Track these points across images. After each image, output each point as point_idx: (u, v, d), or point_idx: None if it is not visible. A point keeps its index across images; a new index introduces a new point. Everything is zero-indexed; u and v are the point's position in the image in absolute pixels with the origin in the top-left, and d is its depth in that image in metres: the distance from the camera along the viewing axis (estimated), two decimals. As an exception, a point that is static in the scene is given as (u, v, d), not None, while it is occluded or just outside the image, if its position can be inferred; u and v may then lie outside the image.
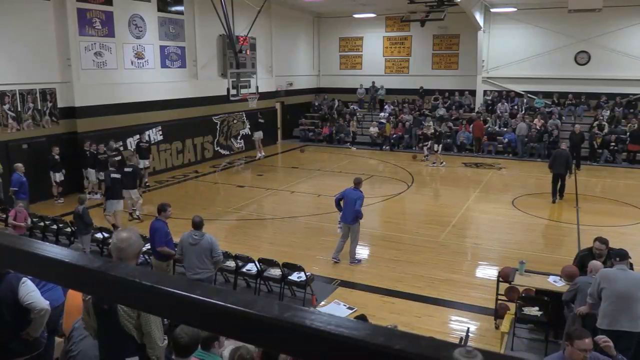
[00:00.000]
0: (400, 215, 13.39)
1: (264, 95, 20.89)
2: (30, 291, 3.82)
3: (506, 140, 20.78)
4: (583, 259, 6.93)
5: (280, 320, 0.71)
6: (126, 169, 12.13)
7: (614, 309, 5.48)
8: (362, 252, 10.75)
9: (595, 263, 6.20)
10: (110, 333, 3.26)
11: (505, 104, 22.60)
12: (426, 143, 19.64)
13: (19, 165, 11.69)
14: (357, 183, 9.58)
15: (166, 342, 3.47)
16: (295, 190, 15.42)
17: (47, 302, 3.93)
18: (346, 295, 8.27)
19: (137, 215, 12.15)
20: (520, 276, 7.24)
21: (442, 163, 19.02)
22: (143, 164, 15.35)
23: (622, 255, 5.78)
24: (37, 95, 14.01)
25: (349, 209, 9.39)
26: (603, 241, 6.74)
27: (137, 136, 16.31)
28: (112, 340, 3.30)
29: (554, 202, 13.88)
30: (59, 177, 13.87)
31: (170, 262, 7.99)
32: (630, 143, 19.20)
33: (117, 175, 11.33)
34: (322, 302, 7.97)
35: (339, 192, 9.81)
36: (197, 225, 7.13)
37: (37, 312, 3.83)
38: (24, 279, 3.87)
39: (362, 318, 5.01)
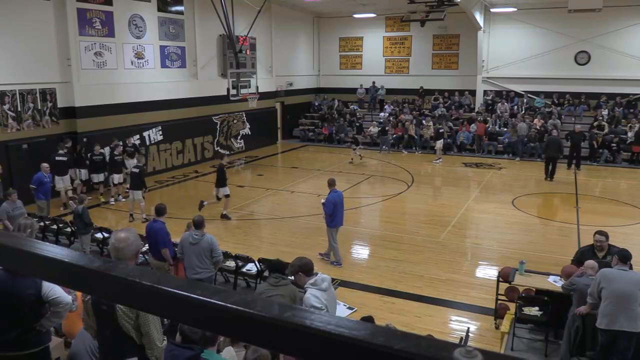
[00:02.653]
0: (400, 215, 13.39)
1: (264, 95, 20.90)
2: (53, 286, 3.94)
3: (506, 140, 20.80)
4: (584, 254, 6.95)
5: (280, 320, 0.71)
6: (133, 170, 12.46)
7: (613, 308, 5.48)
8: (363, 252, 10.77)
9: (589, 262, 6.20)
10: (110, 334, 3.26)
11: (505, 104, 22.61)
12: (355, 147, 19.74)
13: (44, 165, 11.64)
14: (334, 183, 9.70)
15: (165, 342, 3.47)
16: (295, 190, 15.42)
17: (70, 297, 4.14)
18: (346, 295, 8.26)
19: (145, 218, 12.02)
20: (520, 276, 7.24)
21: (439, 159, 19.55)
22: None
23: (624, 257, 5.77)
24: (37, 95, 14.01)
25: (342, 212, 9.51)
26: (603, 233, 6.75)
27: (131, 139, 16.25)
28: (112, 341, 3.30)
29: (546, 179, 16.49)
30: (83, 174, 14.09)
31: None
32: (635, 145, 19.11)
33: (62, 158, 13.11)
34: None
35: (324, 199, 9.60)
36: (198, 224, 7.14)
37: (62, 306, 3.97)
38: None
39: (368, 319, 4.99)
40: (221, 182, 12.41)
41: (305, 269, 4.99)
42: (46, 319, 4.00)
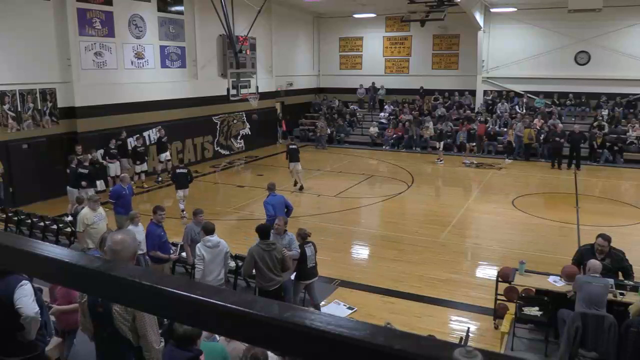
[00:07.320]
0: (400, 215, 13.39)
1: (264, 95, 20.88)
2: (22, 295, 3.74)
3: (506, 140, 20.78)
4: (583, 254, 6.95)
5: (280, 320, 0.71)
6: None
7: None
8: (362, 252, 10.77)
9: (594, 262, 6.21)
10: (106, 336, 3.24)
11: (505, 104, 22.60)
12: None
13: (124, 175, 10.96)
14: (273, 188, 9.94)
15: (163, 344, 3.46)
16: (295, 191, 15.40)
17: (37, 310, 3.83)
18: (346, 295, 8.26)
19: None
20: (520, 276, 7.23)
21: (440, 160, 19.54)
22: (141, 168, 15.72)
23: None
24: (37, 95, 14.01)
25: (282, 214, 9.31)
26: (606, 238, 6.74)
27: (134, 140, 16.22)
28: (108, 343, 3.28)
29: (568, 168, 18.29)
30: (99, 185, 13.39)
31: (165, 265, 8.00)
32: None
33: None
34: (322, 302, 7.96)
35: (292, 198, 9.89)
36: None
37: (23, 319, 3.76)
38: (24, 282, 3.81)
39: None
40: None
41: (204, 229, 6.97)
42: (24, 330, 3.80)
